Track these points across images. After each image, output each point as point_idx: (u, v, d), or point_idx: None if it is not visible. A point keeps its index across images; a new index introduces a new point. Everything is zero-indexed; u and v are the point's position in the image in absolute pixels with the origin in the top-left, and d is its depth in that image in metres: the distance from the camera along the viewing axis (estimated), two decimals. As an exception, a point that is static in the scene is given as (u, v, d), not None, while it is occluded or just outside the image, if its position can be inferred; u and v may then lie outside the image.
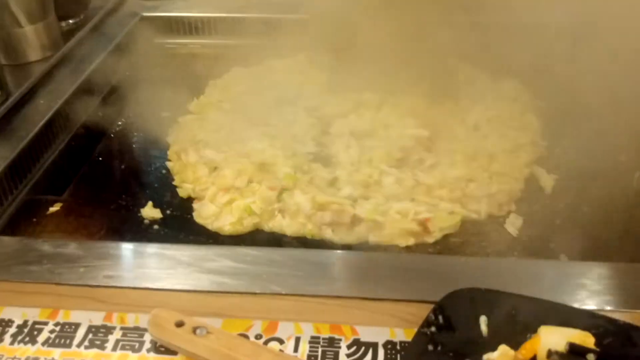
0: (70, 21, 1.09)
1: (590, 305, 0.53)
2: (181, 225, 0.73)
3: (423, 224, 0.69)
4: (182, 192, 0.77)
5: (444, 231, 0.70)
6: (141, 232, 0.72)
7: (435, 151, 0.81)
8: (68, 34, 1.03)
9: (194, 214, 0.74)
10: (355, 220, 0.71)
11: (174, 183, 0.79)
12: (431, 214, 0.70)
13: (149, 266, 0.59)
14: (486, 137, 0.84)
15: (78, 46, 1.01)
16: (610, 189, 0.73)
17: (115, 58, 1.03)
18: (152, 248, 0.61)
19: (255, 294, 0.55)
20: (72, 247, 0.61)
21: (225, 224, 0.70)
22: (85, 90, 0.93)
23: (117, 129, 0.92)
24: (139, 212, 0.75)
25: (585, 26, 0.95)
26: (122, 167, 0.84)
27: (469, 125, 0.86)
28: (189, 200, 0.77)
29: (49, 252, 0.60)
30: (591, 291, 0.55)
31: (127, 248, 0.62)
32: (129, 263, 0.59)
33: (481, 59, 0.98)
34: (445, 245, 0.70)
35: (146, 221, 0.74)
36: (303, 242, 0.70)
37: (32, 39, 0.94)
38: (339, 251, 0.63)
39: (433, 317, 0.50)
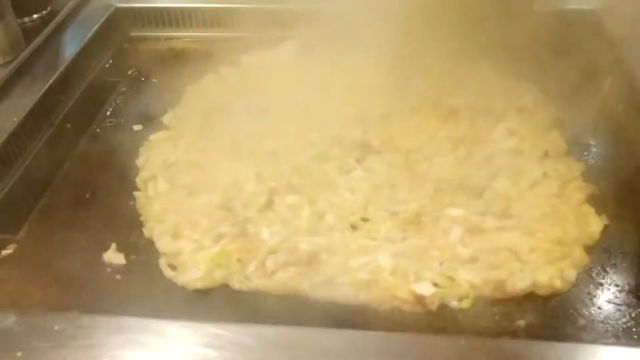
0: (35, 16, 0.98)
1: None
2: (146, 275, 0.65)
3: (421, 301, 0.58)
4: (147, 232, 0.69)
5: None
6: (102, 284, 0.64)
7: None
8: (32, 32, 0.93)
9: (160, 262, 0.66)
10: (315, 261, 0.63)
11: (141, 219, 0.71)
12: (433, 289, 0.59)
13: (101, 347, 0.51)
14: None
15: (43, 47, 0.91)
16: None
17: (84, 60, 0.93)
18: (107, 322, 0.53)
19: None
20: (11, 321, 0.53)
21: (193, 279, 0.62)
22: (48, 103, 0.83)
23: (82, 148, 0.83)
24: (101, 255, 0.67)
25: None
26: (87, 196, 0.75)
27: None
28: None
29: (-15, 328, 0.53)
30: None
31: (75, 323, 0.53)
32: (77, 345, 0.51)
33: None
34: (444, 313, 0.60)
35: (108, 269, 0.66)
36: (280, 298, 0.62)
37: (-13, 45, 0.85)
38: (314, 329, 0.54)
39: None
